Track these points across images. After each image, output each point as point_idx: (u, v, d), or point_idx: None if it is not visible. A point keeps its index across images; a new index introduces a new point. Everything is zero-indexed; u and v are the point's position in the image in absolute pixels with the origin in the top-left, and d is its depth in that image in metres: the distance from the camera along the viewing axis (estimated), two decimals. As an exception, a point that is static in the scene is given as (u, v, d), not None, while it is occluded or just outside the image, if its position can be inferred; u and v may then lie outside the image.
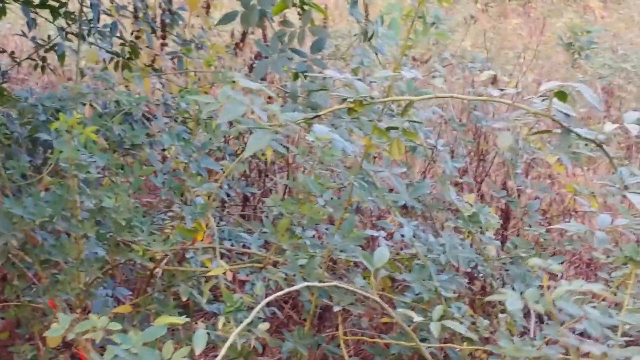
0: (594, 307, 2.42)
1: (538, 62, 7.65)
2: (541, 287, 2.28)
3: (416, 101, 2.45)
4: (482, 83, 4.64)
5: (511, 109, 4.58)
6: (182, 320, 2.05)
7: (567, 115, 2.34)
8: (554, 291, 2.29)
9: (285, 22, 2.91)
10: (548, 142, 2.89)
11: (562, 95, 2.34)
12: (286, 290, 2.24)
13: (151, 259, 2.89)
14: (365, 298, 2.67)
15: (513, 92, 2.41)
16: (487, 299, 2.49)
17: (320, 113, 2.32)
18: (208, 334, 1.99)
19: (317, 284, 2.57)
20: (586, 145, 2.48)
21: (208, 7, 4.75)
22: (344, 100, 2.37)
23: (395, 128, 2.49)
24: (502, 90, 2.39)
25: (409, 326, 2.52)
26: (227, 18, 2.90)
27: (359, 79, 2.36)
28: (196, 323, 2.61)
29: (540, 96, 2.36)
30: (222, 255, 2.91)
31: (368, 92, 2.29)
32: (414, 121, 2.63)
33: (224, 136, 3.53)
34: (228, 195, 3.42)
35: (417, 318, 2.30)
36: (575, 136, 2.36)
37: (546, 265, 2.30)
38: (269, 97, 4.27)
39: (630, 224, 2.53)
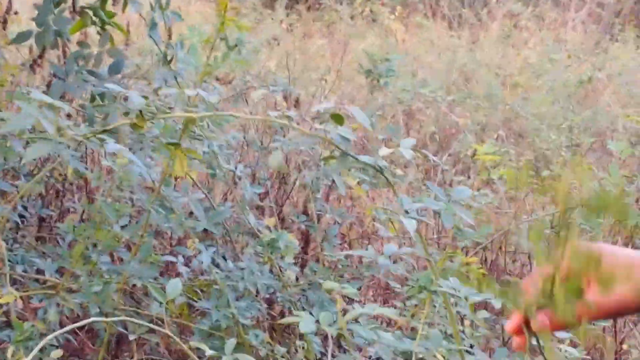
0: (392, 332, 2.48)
1: (341, 84, 7.77)
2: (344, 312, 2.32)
3: (199, 118, 2.43)
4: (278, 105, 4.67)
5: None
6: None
7: (345, 138, 2.38)
8: (348, 314, 2.32)
9: (82, 44, 2.83)
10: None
11: (338, 118, 2.38)
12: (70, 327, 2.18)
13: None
14: (162, 323, 2.63)
15: (293, 114, 2.43)
16: (281, 321, 2.50)
17: (107, 128, 2.26)
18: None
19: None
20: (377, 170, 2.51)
21: (5, 22, 4.59)
22: (127, 114, 2.31)
23: (177, 144, 2.45)
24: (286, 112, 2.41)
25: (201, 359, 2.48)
26: (22, 37, 2.80)
27: (144, 96, 2.29)
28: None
29: (316, 118, 2.40)
30: (14, 281, 2.81)
31: (143, 106, 2.24)
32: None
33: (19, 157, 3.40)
34: (23, 217, 3.30)
35: (209, 352, 2.26)
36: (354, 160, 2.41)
37: (340, 289, 2.34)
38: (68, 115, 4.17)
39: (414, 250, 2.60)
